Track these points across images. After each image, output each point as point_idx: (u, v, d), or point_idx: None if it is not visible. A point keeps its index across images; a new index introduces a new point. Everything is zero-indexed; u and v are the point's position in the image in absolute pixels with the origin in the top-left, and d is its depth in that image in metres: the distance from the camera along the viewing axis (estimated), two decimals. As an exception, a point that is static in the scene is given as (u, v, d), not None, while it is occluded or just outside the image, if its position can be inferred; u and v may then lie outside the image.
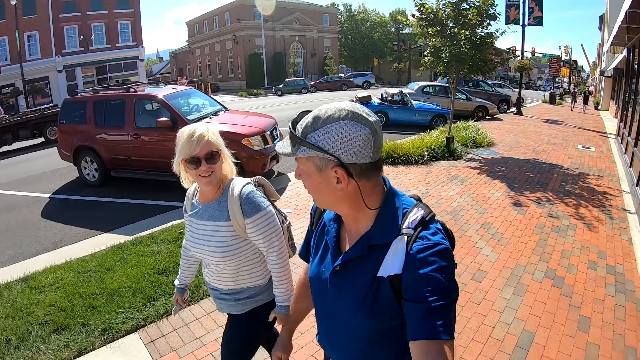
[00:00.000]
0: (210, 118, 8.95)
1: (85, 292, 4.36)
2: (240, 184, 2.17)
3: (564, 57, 55.78)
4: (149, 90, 9.43)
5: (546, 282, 4.40)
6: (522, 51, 25.73)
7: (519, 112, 22.86)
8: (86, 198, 8.82)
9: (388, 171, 8.81)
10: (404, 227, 1.24)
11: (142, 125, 9.01)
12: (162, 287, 4.35)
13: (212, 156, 2.09)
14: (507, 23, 24.77)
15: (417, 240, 1.20)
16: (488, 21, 10.89)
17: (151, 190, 8.71)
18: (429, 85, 20.94)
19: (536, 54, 54.17)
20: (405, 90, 18.77)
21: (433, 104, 17.24)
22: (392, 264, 1.22)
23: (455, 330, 2.63)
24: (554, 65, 40.79)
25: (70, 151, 10.04)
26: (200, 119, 8.69)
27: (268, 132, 8.30)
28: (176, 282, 2.64)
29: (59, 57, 39.88)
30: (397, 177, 8.39)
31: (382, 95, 16.83)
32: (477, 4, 10.51)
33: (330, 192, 1.26)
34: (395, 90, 17.51)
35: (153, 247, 5.39)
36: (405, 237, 1.22)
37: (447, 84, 21.10)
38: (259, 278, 2.27)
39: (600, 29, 37.53)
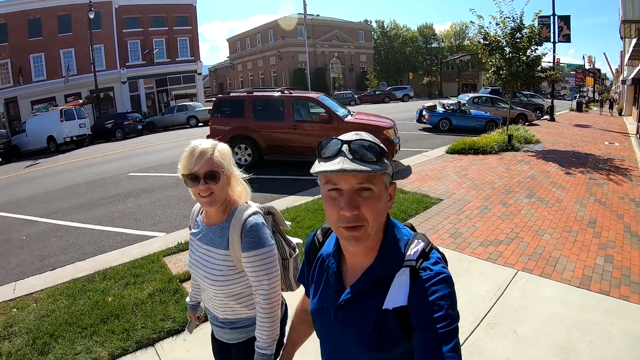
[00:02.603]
0: (353, 114, 12.07)
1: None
2: (247, 213, 2.07)
3: (588, 67, 58.36)
4: (304, 93, 12.71)
5: (595, 203, 8.08)
6: (554, 65, 28.86)
7: (552, 119, 26.31)
8: (244, 176, 11.85)
9: (475, 158, 12.47)
10: (406, 259, 1.28)
11: (299, 119, 11.79)
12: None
13: (212, 176, 1.99)
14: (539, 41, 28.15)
15: (420, 271, 1.25)
16: (535, 46, 14.57)
17: (295, 168, 11.16)
18: (477, 97, 24.68)
19: (561, 64, 56.32)
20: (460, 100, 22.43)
21: (485, 112, 20.92)
22: (397, 296, 1.25)
23: (560, 219, 6.69)
24: (579, 75, 43.89)
25: (224, 140, 12.96)
26: (346, 115, 11.76)
27: (394, 128, 11.49)
28: (187, 299, 2.61)
29: (123, 69, 42.57)
30: (482, 162, 12.00)
31: (443, 104, 20.61)
32: (527, 32, 14.14)
33: (385, 213, 1.31)
34: (453, 101, 21.30)
35: (302, 211, 7.66)
36: (409, 269, 1.26)
37: (490, 95, 24.84)
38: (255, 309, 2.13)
39: (621, 38, 39.98)
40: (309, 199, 8.42)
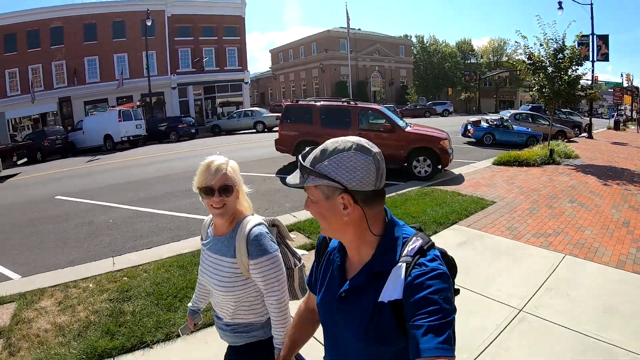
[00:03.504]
0: (411, 126, 13.33)
1: (414, 212, 8.84)
2: (251, 223, 2.24)
3: (626, 85, 57.97)
4: (368, 104, 14.03)
5: (630, 209, 9.17)
6: (592, 84, 29.33)
7: (590, 136, 26.95)
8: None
9: (519, 169, 13.56)
10: (403, 254, 1.35)
11: (363, 127, 12.94)
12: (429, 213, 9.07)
13: (226, 189, 2.18)
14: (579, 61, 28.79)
15: (416, 266, 1.30)
16: (576, 66, 15.59)
17: None
18: (518, 113, 25.71)
19: (599, 82, 55.78)
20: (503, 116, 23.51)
21: (527, 128, 21.94)
22: (392, 289, 1.31)
23: (598, 220, 7.99)
24: (617, 93, 44.14)
25: (292, 144, 13.48)
26: (405, 126, 13.00)
27: (449, 139, 12.67)
28: (189, 304, 2.79)
29: (174, 75, 44.35)
30: (527, 173, 13.10)
31: (487, 120, 21.73)
32: (569, 53, 15.19)
33: (337, 218, 1.39)
34: (496, 117, 22.46)
35: (405, 198, 9.65)
36: (404, 264, 1.32)
37: (531, 112, 25.80)
38: (258, 315, 2.34)
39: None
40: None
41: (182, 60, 45.53)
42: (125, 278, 5.53)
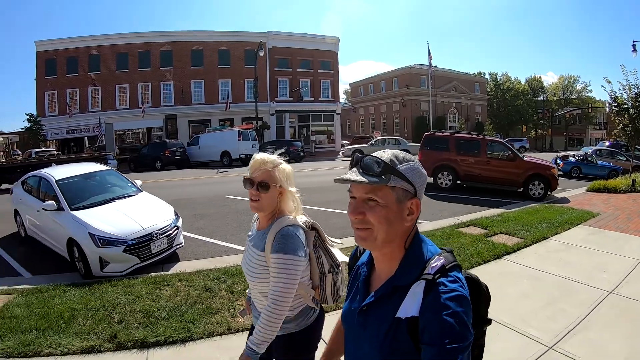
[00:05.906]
0: (525, 157, 16.79)
1: (549, 217, 12.75)
2: (287, 222, 2.30)
3: None
4: (494, 138, 17.83)
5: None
6: None
7: (665, 171, 29.56)
8: (446, 194, 15.64)
9: (609, 195, 16.84)
10: (425, 272, 1.35)
11: (490, 156, 16.42)
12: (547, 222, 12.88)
13: (263, 185, 2.26)
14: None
15: (435, 285, 1.30)
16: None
17: (486, 192, 16.12)
18: (599, 150, 28.83)
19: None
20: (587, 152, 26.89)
21: (609, 163, 25.27)
22: (410, 306, 1.33)
23: None
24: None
25: (430, 167, 16.35)
26: (523, 157, 16.55)
27: (556, 169, 16.34)
28: (247, 291, 2.76)
29: (273, 102, 48.25)
30: (616, 197, 16.36)
31: (573, 155, 25.26)
32: None
33: (399, 224, 1.39)
34: (581, 152, 25.92)
35: (536, 210, 13.74)
36: (424, 281, 1.32)
37: (610, 148, 28.88)
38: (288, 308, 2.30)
39: None
40: (499, 210, 13.28)
41: (280, 89, 49.97)
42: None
